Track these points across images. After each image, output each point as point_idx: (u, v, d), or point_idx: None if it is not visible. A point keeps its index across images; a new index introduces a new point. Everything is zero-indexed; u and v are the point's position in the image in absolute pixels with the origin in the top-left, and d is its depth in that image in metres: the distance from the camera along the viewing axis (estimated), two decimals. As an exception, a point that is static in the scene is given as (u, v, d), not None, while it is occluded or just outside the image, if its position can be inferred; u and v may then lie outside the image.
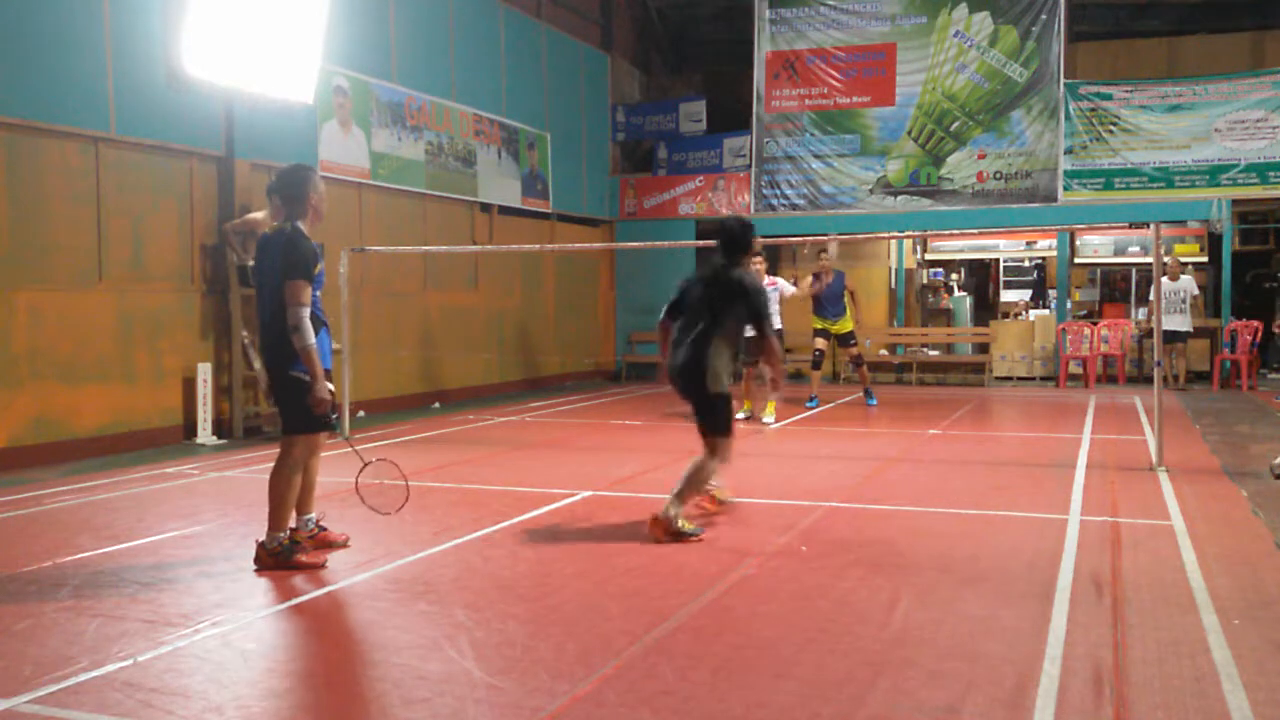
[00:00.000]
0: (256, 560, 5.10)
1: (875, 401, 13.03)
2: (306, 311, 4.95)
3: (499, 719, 3.27)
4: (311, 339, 4.94)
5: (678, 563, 5.21)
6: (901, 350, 17.89)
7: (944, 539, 5.69)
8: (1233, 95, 15.62)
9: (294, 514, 5.32)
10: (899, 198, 17.09)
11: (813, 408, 12.63)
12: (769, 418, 11.01)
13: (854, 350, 13.12)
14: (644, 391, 15.58)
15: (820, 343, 12.94)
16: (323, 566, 5.09)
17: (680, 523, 5.69)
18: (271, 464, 5.22)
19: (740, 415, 10.91)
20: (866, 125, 17.24)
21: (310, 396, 4.99)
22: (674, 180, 18.46)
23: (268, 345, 5.15)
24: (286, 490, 5.12)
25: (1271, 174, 15.48)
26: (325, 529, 5.56)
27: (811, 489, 7.10)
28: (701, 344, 5.85)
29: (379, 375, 12.67)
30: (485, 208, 14.98)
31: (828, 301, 12.74)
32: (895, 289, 19.07)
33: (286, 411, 5.16)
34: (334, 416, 5.20)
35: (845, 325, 12.81)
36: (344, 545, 5.52)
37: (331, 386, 5.12)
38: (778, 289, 11.13)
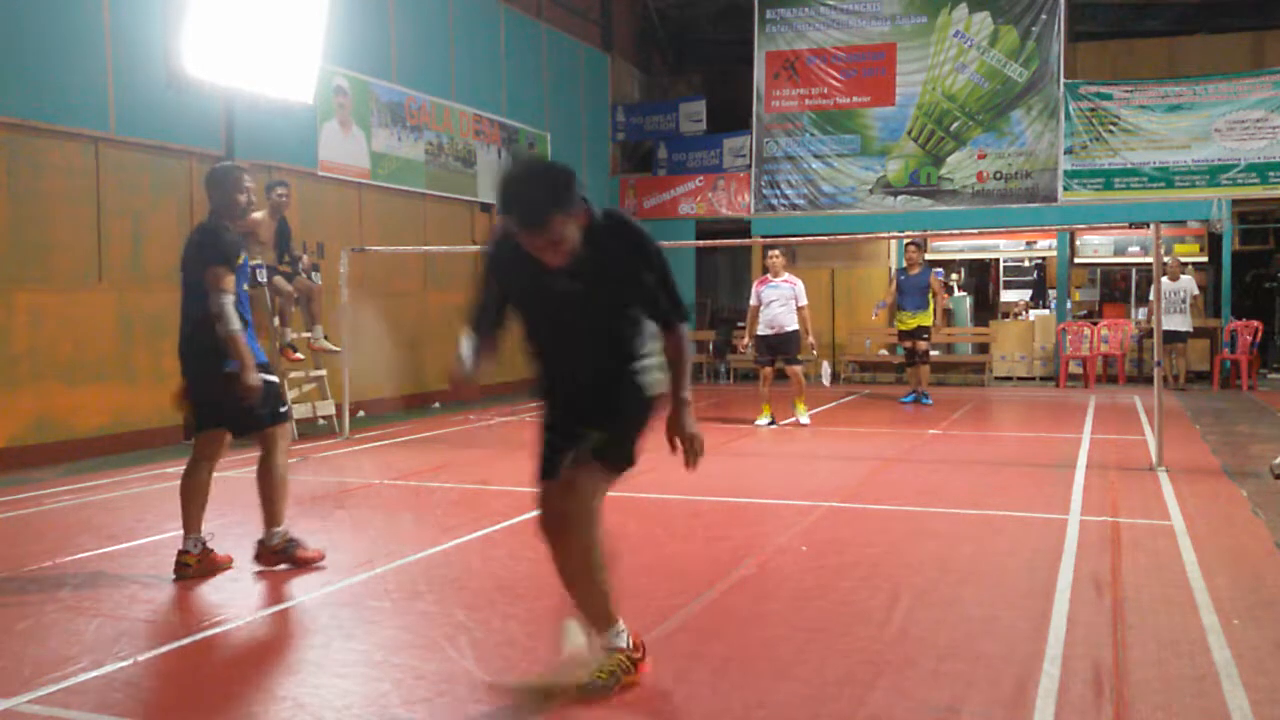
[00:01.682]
0: (257, 558, 5.06)
1: (930, 401, 13.07)
2: (229, 299, 4.78)
3: (499, 719, 3.27)
4: (236, 324, 4.77)
5: (678, 563, 5.21)
6: (901, 350, 17.85)
7: (944, 539, 5.69)
8: (1233, 95, 15.62)
9: (184, 531, 5.03)
10: (899, 198, 17.09)
11: (910, 403, 13.00)
12: (804, 417, 11.00)
13: (921, 346, 13.18)
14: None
15: (908, 343, 13.27)
16: (321, 560, 5.12)
17: None
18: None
19: (763, 421, 10.97)
20: (866, 125, 17.23)
21: (239, 385, 4.76)
22: (674, 180, 18.45)
23: (200, 349, 4.87)
24: (279, 483, 5.07)
25: (1271, 174, 15.48)
26: (212, 550, 5.13)
27: (811, 489, 7.09)
28: None
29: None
30: (485, 208, 14.97)
31: (909, 293, 12.97)
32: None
33: (239, 412, 4.89)
34: (283, 410, 5.13)
35: (922, 320, 13.03)
36: (229, 567, 5.15)
37: (273, 378, 5.03)
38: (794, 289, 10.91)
